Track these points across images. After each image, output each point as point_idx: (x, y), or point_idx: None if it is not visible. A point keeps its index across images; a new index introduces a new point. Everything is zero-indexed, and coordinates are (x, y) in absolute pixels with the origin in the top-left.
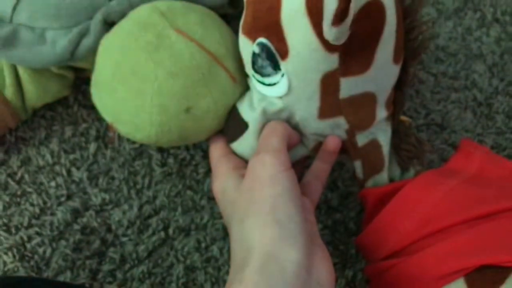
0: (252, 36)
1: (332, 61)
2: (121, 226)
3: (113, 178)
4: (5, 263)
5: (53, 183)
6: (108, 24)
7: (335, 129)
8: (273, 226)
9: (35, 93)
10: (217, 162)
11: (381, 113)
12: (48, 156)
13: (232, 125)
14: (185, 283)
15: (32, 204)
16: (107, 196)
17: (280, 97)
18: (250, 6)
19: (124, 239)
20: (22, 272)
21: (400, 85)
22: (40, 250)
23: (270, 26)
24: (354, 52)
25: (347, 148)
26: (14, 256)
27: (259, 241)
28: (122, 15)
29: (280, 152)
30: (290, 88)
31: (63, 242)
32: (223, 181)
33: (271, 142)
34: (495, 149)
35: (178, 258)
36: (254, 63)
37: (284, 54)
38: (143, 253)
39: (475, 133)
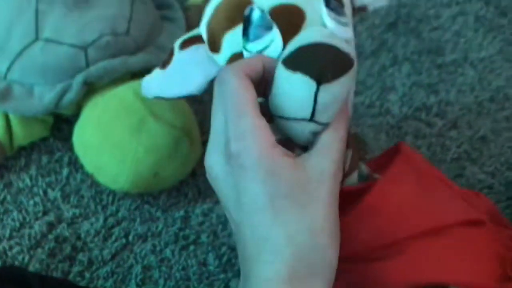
0: None
1: None
2: (89, 235)
3: (82, 196)
4: None
5: (31, 202)
6: (87, 84)
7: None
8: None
9: (22, 134)
10: (254, 126)
11: None
12: (27, 180)
13: (330, 57)
14: (142, 279)
15: (13, 220)
16: (77, 211)
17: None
18: None
19: (91, 245)
20: None
21: None
22: (20, 257)
23: None
24: None
25: None
26: None
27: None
28: (99, 78)
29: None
30: None
31: (39, 250)
32: (268, 156)
33: (342, 151)
34: None
35: (136, 260)
36: (327, 1)
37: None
38: (107, 256)
39: None
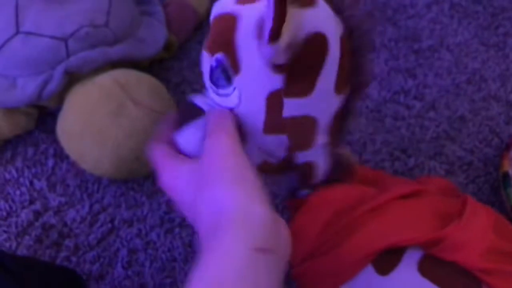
0: (212, 51)
1: (276, 81)
2: (75, 221)
3: (68, 185)
4: None
5: (18, 192)
6: (68, 74)
7: (277, 145)
8: (240, 190)
9: (7, 127)
10: (163, 159)
11: (321, 138)
12: (13, 172)
13: (185, 112)
14: (128, 262)
15: (0, 209)
16: (63, 199)
17: (232, 109)
18: (213, 24)
19: (78, 231)
20: None
21: (343, 116)
22: (7, 244)
23: (226, 43)
24: (297, 76)
25: (285, 165)
26: None
27: (229, 203)
28: (79, 68)
29: (235, 135)
30: (240, 101)
31: (26, 237)
32: (174, 171)
33: (226, 124)
34: (384, 144)
35: (123, 244)
36: (211, 75)
37: (236, 69)
38: (93, 241)
39: (367, 132)
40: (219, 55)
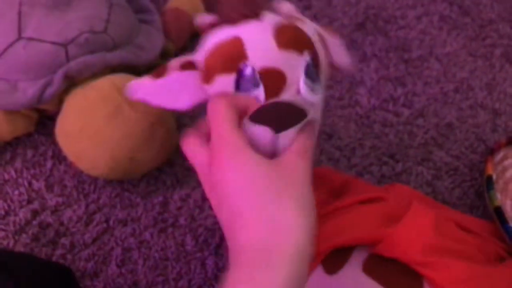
0: (298, 49)
1: None
2: (71, 221)
3: (65, 186)
4: None
5: (16, 192)
6: (68, 78)
7: None
8: (308, 223)
9: (8, 129)
10: (233, 136)
11: None
12: (12, 172)
13: (287, 112)
14: (122, 260)
15: None
16: (60, 199)
17: (313, 104)
18: (283, 27)
19: (74, 230)
20: None
21: None
22: (5, 242)
23: (307, 42)
24: None
25: None
26: None
27: (295, 234)
28: (79, 72)
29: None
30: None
31: (23, 235)
32: (250, 166)
33: (310, 150)
34: (372, 149)
35: (117, 242)
36: (307, 70)
37: (319, 67)
38: (88, 240)
39: (356, 137)
40: (307, 53)
